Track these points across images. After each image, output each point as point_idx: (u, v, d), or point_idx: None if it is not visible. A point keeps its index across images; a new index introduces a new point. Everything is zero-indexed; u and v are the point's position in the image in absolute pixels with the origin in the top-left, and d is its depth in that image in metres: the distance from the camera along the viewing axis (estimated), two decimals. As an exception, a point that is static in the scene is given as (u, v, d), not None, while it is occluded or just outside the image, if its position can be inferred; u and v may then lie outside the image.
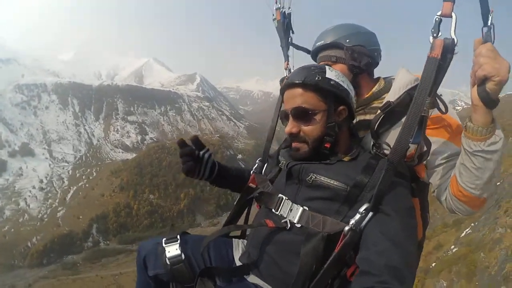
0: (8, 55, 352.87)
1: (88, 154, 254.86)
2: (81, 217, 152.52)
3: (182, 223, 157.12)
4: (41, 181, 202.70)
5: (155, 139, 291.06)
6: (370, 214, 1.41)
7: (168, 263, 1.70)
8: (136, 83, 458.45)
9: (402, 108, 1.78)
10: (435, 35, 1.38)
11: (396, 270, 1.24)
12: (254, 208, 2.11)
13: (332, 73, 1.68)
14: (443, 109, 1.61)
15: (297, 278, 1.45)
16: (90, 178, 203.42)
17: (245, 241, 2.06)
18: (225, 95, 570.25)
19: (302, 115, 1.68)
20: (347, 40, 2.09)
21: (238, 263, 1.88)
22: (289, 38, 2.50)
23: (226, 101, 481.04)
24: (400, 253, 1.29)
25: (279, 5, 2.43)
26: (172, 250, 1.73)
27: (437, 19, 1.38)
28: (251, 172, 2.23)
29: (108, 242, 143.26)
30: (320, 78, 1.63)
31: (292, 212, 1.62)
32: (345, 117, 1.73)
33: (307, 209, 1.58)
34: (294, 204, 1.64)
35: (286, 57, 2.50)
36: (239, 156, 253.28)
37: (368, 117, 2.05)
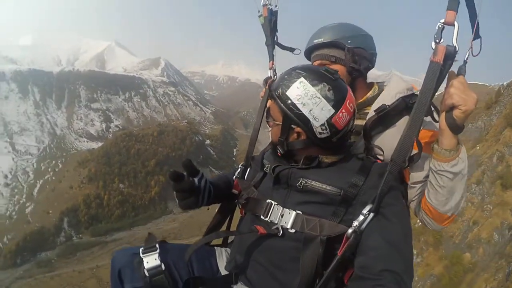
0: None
1: (52, 145, 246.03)
2: (51, 211, 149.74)
3: (155, 210, 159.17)
4: (6, 177, 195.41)
5: (120, 127, 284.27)
6: (371, 215, 1.41)
7: (147, 274, 1.56)
8: (98, 68, 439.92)
9: (397, 113, 1.83)
10: (437, 41, 1.41)
11: (395, 274, 1.25)
12: (237, 214, 2.03)
13: (297, 91, 1.54)
14: (437, 117, 1.63)
15: (300, 284, 1.43)
16: (56, 170, 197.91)
17: (228, 250, 2.00)
18: (190, 80, 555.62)
19: (267, 117, 1.73)
20: (349, 41, 2.02)
21: (223, 271, 1.83)
22: (275, 37, 2.43)
23: (192, 86, 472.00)
24: (399, 258, 1.32)
25: (266, 2, 2.36)
26: (151, 260, 1.61)
27: (440, 26, 1.41)
28: (234, 177, 2.14)
29: (81, 235, 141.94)
30: (278, 94, 1.58)
31: (284, 217, 1.57)
32: (302, 139, 1.63)
33: (300, 213, 1.54)
34: (285, 209, 1.59)
35: (271, 57, 2.43)
36: (207, 141, 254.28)
37: (360, 122, 1.96)
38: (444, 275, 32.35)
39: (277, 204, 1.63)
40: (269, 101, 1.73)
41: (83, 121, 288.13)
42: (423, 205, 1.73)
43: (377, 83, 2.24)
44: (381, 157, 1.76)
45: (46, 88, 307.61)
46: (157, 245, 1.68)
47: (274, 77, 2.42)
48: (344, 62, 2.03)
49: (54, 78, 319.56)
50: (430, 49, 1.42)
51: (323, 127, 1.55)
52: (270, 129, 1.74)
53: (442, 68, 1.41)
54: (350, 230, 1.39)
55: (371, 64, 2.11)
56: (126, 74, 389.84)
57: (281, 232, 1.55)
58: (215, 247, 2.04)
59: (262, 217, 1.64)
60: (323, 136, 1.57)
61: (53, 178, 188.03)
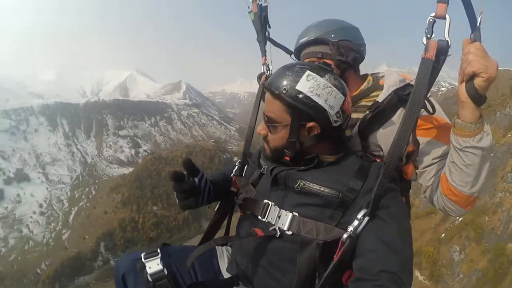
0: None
1: (84, 173, 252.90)
2: (87, 237, 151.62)
3: (189, 230, 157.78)
4: (41, 206, 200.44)
5: (149, 151, 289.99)
6: (367, 219, 1.39)
7: (150, 279, 1.58)
8: (122, 96, 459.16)
9: (390, 107, 1.80)
10: (428, 36, 1.37)
11: (393, 274, 1.24)
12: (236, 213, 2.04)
13: (307, 84, 1.49)
14: (430, 109, 1.60)
15: (296, 287, 1.43)
16: (90, 197, 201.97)
17: (229, 249, 1.98)
18: (212, 100, 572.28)
19: (268, 123, 1.62)
20: (332, 35, 2.00)
21: (225, 273, 1.82)
22: (266, 32, 2.40)
23: (214, 106, 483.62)
24: (397, 258, 1.30)
25: None
26: (153, 265, 1.61)
27: (430, 20, 1.36)
28: (232, 175, 2.12)
29: (117, 259, 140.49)
30: (286, 90, 1.49)
31: (281, 219, 1.56)
32: (315, 134, 1.58)
33: (297, 215, 1.53)
34: (282, 210, 1.58)
35: (264, 52, 2.40)
36: (235, 158, 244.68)
37: (356, 115, 1.96)
38: (488, 269, 31.58)
39: (274, 205, 1.62)
40: (267, 104, 1.61)
41: (112, 148, 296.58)
42: (445, 190, 1.63)
43: (371, 74, 2.19)
44: (379, 153, 1.75)
45: (74, 119, 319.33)
46: (158, 250, 1.68)
47: (267, 72, 2.37)
48: (331, 56, 2.01)
49: (81, 109, 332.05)
50: (421, 43, 1.37)
51: (338, 115, 1.56)
52: (270, 134, 1.64)
53: (435, 64, 1.36)
54: (345, 235, 1.38)
55: (359, 55, 2.05)
56: (150, 100, 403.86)
57: (279, 233, 1.54)
58: (216, 247, 2.00)
59: (259, 217, 1.64)
60: (338, 124, 1.57)
61: (87, 204, 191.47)
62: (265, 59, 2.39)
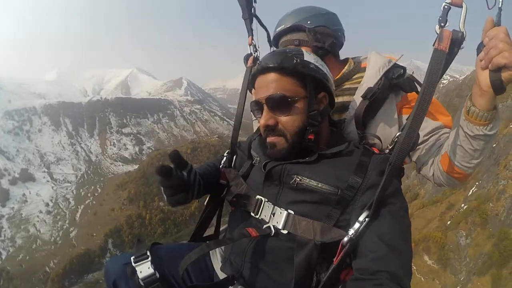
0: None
1: (89, 172, 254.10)
2: (94, 234, 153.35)
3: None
4: (47, 205, 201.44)
5: (152, 148, 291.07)
6: (367, 220, 1.33)
7: (142, 284, 1.51)
8: (124, 94, 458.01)
9: (382, 94, 1.76)
10: (442, 24, 1.30)
11: (393, 274, 1.22)
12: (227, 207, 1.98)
13: (311, 57, 1.54)
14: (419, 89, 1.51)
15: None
16: (96, 194, 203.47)
17: (222, 247, 1.85)
18: (213, 96, 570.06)
19: (280, 104, 1.50)
20: (308, 22, 1.98)
21: (219, 272, 1.72)
22: (252, 9, 2.27)
23: (216, 102, 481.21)
24: (398, 258, 1.27)
25: None
26: (144, 269, 1.53)
27: (446, 6, 1.29)
28: (220, 166, 2.03)
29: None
30: (298, 61, 1.47)
31: (276, 217, 1.49)
32: (325, 104, 1.59)
33: (292, 213, 1.46)
34: (276, 207, 1.51)
35: (250, 31, 2.28)
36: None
37: (341, 99, 1.93)
38: (494, 252, 34.00)
39: (267, 201, 1.55)
40: (273, 84, 1.50)
41: (116, 146, 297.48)
42: (447, 168, 1.64)
43: (352, 58, 2.16)
44: (378, 144, 1.71)
45: (77, 118, 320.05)
46: (147, 252, 1.59)
47: (255, 54, 2.29)
48: (308, 43, 1.99)
49: (84, 108, 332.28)
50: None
51: (334, 85, 1.64)
52: (283, 116, 1.52)
53: (448, 56, 1.28)
54: (346, 239, 1.32)
55: (336, 40, 2.03)
56: (152, 97, 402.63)
57: (273, 232, 1.48)
58: None
59: (252, 214, 1.58)
60: (333, 93, 1.62)
61: (94, 202, 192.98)
62: (252, 39, 2.28)
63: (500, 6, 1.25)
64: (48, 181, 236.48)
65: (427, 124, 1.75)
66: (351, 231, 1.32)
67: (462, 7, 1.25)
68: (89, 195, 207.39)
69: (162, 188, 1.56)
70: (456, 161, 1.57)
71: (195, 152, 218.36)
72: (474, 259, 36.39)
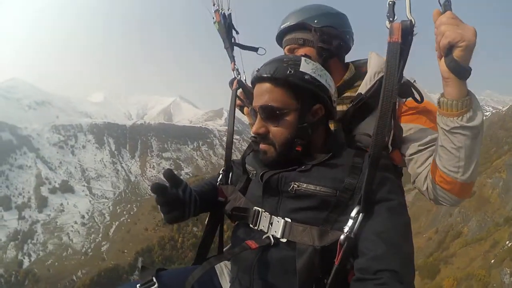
0: (42, 97, 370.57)
1: (127, 190, 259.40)
2: (126, 251, 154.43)
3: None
4: (83, 217, 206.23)
5: (190, 174, 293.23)
6: (362, 216, 1.32)
7: None
8: (166, 121, 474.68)
9: (375, 98, 1.60)
10: (391, 19, 1.30)
11: (396, 273, 1.20)
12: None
13: (308, 66, 1.48)
14: (418, 98, 1.53)
15: None
16: (131, 213, 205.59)
17: (229, 264, 1.84)
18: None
19: (270, 114, 1.50)
20: (315, 21, 1.88)
21: None
22: (233, 39, 2.36)
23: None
24: (399, 256, 1.25)
25: (217, 7, 2.30)
26: None
27: (390, 2, 1.30)
28: (217, 184, 2.00)
29: None
30: (292, 71, 1.44)
31: (273, 226, 1.48)
32: (321, 116, 1.56)
33: (289, 220, 1.45)
34: (273, 216, 1.50)
35: (232, 58, 2.36)
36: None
37: (340, 108, 1.86)
38: None
39: (264, 212, 1.54)
40: (265, 95, 1.51)
41: (156, 169, 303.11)
42: (436, 178, 1.49)
43: (352, 62, 2.09)
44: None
45: (121, 139, 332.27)
46: (154, 279, 1.58)
47: (238, 76, 2.34)
48: (313, 43, 1.90)
49: (127, 130, 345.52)
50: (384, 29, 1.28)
51: (335, 94, 1.59)
52: (273, 127, 1.52)
53: (403, 46, 1.29)
54: (342, 237, 1.31)
55: (343, 43, 1.93)
56: (193, 125, 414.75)
57: (273, 241, 1.46)
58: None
59: (251, 225, 1.57)
60: (335, 104, 1.59)
61: (128, 220, 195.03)
62: (234, 64, 2.35)
63: None
64: (86, 194, 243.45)
65: (425, 134, 1.64)
66: (346, 228, 1.32)
67: None
68: (124, 213, 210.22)
69: (159, 207, 1.57)
70: (441, 166, 1.44)
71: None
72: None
